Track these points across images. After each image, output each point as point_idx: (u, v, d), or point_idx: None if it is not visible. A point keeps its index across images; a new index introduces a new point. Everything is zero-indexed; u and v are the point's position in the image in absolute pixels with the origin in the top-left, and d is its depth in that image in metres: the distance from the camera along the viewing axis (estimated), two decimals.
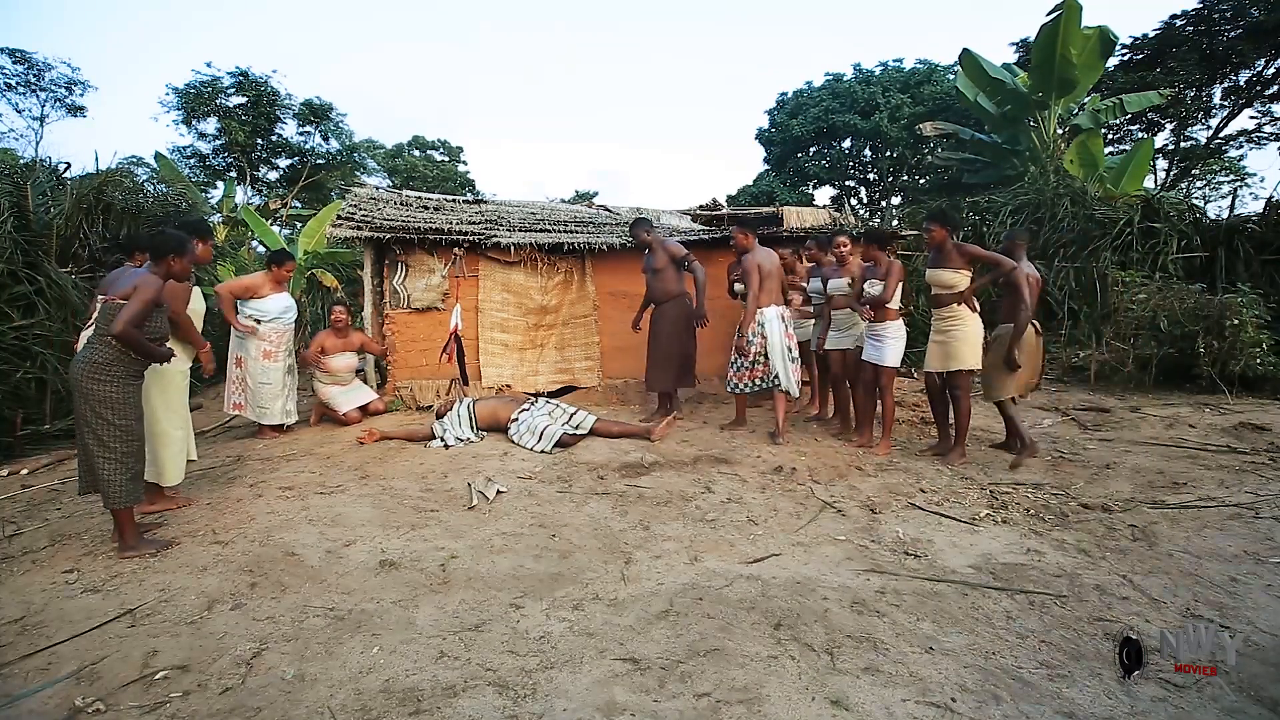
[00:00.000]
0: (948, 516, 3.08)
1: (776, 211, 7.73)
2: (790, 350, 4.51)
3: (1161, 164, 15.86)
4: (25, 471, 4.04)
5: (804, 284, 5.24)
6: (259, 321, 4.67)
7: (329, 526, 3.02)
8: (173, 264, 2.94)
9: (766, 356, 4.49)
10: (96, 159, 13.98)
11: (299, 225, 14.05)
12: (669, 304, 5.00)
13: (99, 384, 2.70)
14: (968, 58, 10.87)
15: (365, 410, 5.23)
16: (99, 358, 2.72)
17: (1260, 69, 14.23)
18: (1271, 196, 6.81)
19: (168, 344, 2.95)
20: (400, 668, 1.92)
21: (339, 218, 5.90)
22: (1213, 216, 7.38)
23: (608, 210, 7.60)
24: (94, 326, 2.85)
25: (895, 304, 4.16)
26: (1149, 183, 12.64)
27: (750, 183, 23.74)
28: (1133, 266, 6.74)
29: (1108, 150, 12.55)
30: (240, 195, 15.57)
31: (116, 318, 2.67)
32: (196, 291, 3.61)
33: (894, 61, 21.31)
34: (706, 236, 6.27)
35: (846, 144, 21.78)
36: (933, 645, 2.00)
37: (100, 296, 2.92)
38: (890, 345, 4.12)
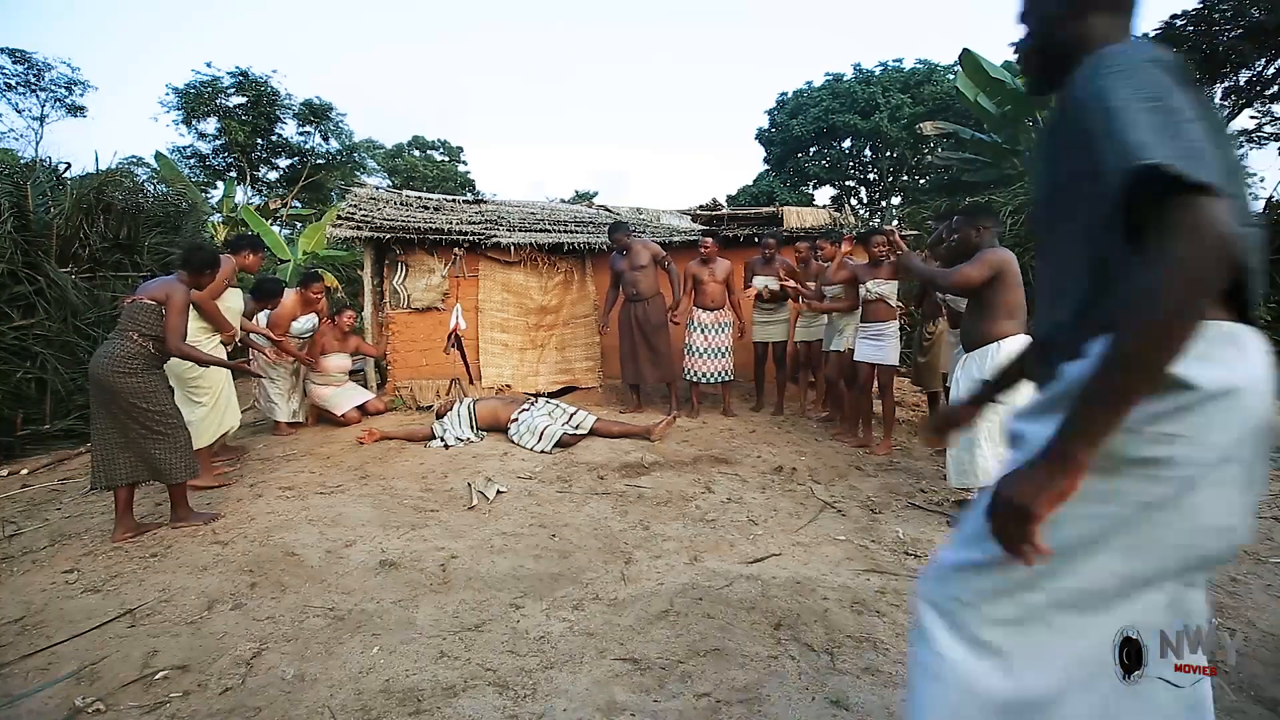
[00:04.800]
0: (948, 516, 3.08)
1: (776, 211, 7.71)
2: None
3: None
4: (25, 471, 4.04)
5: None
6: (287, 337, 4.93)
7: (329, 526, 3.02)
8: (204, 278, 3.20)
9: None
10: (96, 159, 13.96)
11: (299, 225, 14.06)
12: (654, 299, 5.23)
13: (125, 377, 2.85)
14: (968, 58, 10.87)
15: (364, 410, 5.25)
16: (120, 352, 2.86)
17: (1260, 69, 14.22)
18: (1271, 196, 6.82)
19: (185, 339, 3.16)
20: (400, 668, 1.91)
21: (339, 218, 5.91)
22: None
23: (608, 210, 7.60)
24: (118, 324, 3.03)
25: (893, 303, 4.16)
26: None
27: (750, 183, 23.75)
28: None
29: None
30: (240, 195, 15.56)
31: (167, 342, 2.94)
32: (236, 293, 3.99)
33: (894, 61, 21.31)
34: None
35: (846, 144, 21.79)
36: None
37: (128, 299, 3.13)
38: (890, 344, 4.12)
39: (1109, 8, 0.99)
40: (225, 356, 3.87)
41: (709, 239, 5.19)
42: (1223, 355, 0.86)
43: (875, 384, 4.27)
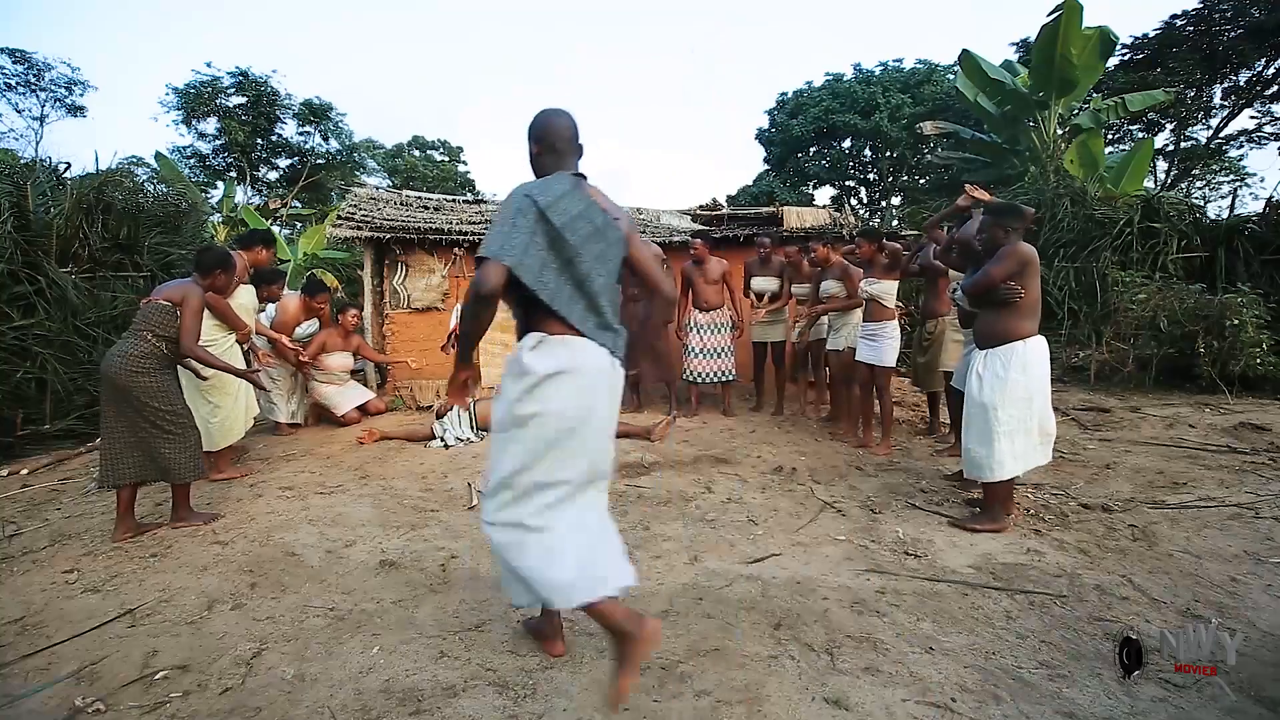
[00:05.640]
0: (947, 516, 3.08)
1: (776, 211, 7.71)
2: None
3: (1161, 164, 15.86)
4: (25, 471, 4.04)
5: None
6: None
7: (329, 526, 3.02)
8: (219, 278, 3.25)
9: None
10: (96, 159, 13.95)
11: (299, 225, 14.06)
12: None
13: (138, 376, 2.87)
14: (967, 58, 10.87)
15: (365, 410, 5.25)
16: (134, 351, 2.89)
17: (1260, 69, 14.23)
18: (1271, 196, 6.82)
19: (198, 342, 3.17)
20: (400, 668, 1.91)
21: (339, 218, 5.92)
22: (1213, 216, 7.37)
23: None
24: (133, 324, 3.05)
25: (887, 303, 4.15)
26: (1149, 183, 12.64)
27: (750, 183, 23.78)
28: (1133, 266, 6.75)
29: (1108, 150, 12.55)
30: (240, 195, 15.55)
31: (181, 343, 2.96)
32: (249, 289, 4.06)
33: (894, 61, 21.33)
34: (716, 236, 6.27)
35: (846, 144, 21.80)
36: (933, 645, 2.00)
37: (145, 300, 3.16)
38: (887, 345, 4.11)
39: (550, 152, 1.83)
40: (241, 356, 3.90)
41: (698, 240, 5.17)
42: (554, 353, 1.67)
43: (873, 384, 4.27)
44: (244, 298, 3.95)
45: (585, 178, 1.83)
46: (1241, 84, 14.69)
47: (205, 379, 3.55)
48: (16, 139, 16.89)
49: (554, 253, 1.67)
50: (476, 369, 1.86)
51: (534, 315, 1.71)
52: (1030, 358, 2.81)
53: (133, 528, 2.95)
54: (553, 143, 1.82)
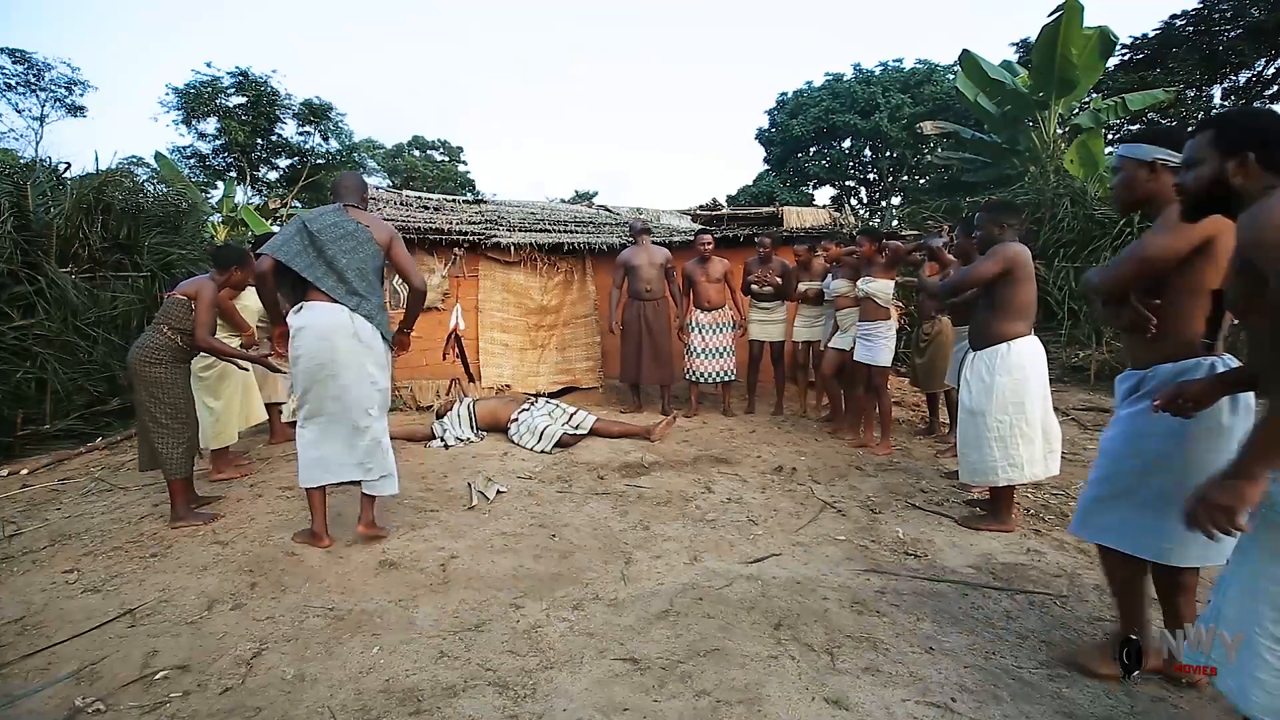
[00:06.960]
0: (947, 516, 3.08)
1: (776, 211, 7.71)
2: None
3: None
4: (25, 471, 4.04)
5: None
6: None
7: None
8: (235, 274, 3.36)
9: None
10: (96, 159, 13.92)
11: None
12: (663, 301, 5.30)
13: (150, 367, 3.02)
14: (967, 58, 10.87)
15: None
16: (151, 343, 3.06)
17: (1260, 69, 14.24)
18: None
19: (213, 335, 3.27)
20: (400, 668, 1.91)
21: None
22: None
23: (608, 210, 7.60)
24: (154, 318, 3.19)
25: (882, 302, 4.14)
26: None
27: (750, 183, 23.78)
28: None
29: (1108, 150, 12.54)
30: (240, 195, 15.54)
31: (195, 334, 3.09)
32: (252, 291, 4.07)
33: (894, 61, 21.35)
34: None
35: (846, 144, 21.80)
36: (933, 645, 2.00)
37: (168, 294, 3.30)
38: (882, 345, 4.11)
39: (337, 194, 2.86)
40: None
41: (707, 235, 5.17)
42: (304, 315, 2.63)
43: (869, 383, 4.26)
44: (250, 299, 3.96)
45: (357, 206, 2.80)
46: (1241, 84, 14.69)
47: (204, 378, 3.58)
48: (16, 139, 16.90)
49: (312, 246, 2.63)
50: (285, 325, 2.70)
51: (305, 290, 2.64)
52: (1014, 360, 2.74)
53: (193, 499, 3.22)
54: (339, 190, 2.86)
